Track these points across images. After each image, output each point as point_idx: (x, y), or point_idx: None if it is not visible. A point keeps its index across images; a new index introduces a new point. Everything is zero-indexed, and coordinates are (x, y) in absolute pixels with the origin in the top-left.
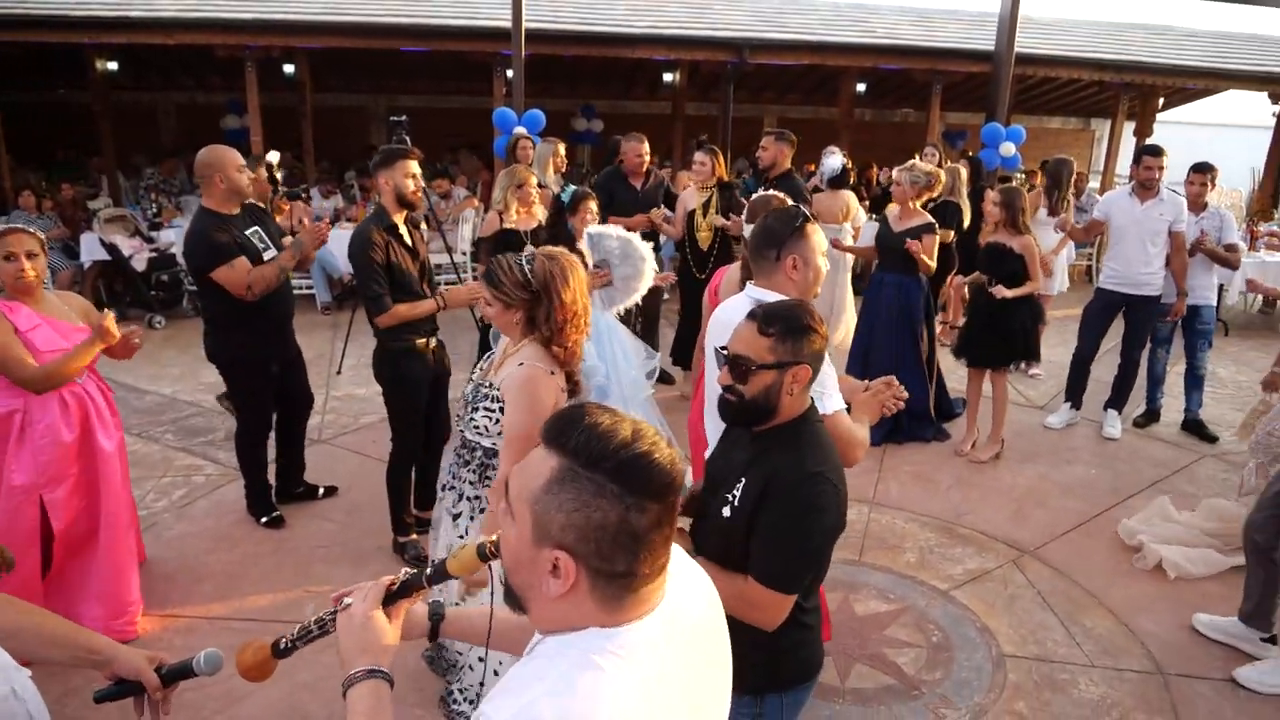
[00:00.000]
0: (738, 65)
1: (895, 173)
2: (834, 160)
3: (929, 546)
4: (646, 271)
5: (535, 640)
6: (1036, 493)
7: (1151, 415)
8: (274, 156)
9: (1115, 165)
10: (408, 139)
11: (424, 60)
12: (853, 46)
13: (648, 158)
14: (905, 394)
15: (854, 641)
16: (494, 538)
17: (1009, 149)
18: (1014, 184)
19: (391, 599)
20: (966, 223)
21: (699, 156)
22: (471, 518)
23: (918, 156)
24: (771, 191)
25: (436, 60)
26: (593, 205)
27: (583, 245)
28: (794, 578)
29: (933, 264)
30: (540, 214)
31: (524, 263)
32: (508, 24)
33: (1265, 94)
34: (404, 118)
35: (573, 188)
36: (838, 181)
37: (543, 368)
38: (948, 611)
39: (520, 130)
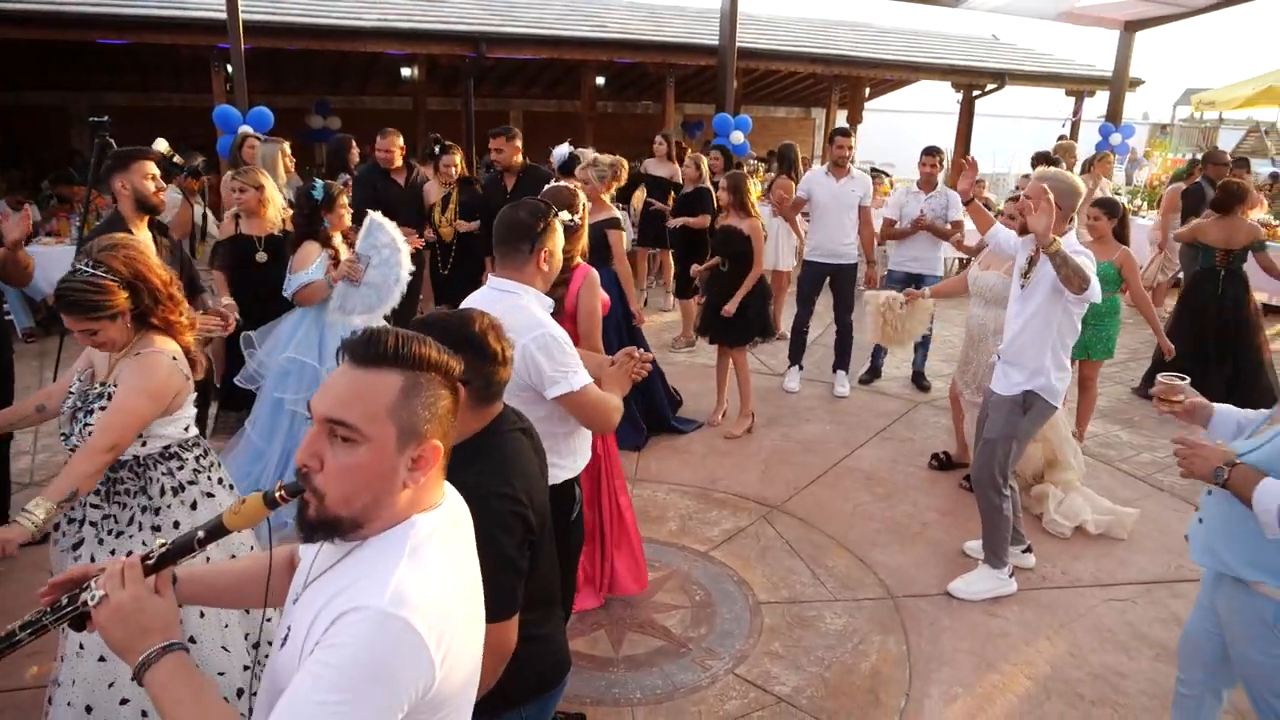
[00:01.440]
0: (476, 59)
1: (578, 171)
2: (562, 148)
3: (689, 513)
4: (393, 295)
5: (341, 549)
6: (781, 452)
7: (874, 372)
8: None
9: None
10: (112, 141)
11: (130, 54)
12: (588, 41)
13: (403, 153)
14: (650, 357)
15: (625, 612)
16: (279, 483)
17: (738, 137)
18: (745, 170)
19: (156, 568)
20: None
21: (446, 159)
22: (100, 540)
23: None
24: (563, 183)
25: (146, 54)
26: (345, 200)
27: (338, 242)
28: (505, 600)
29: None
30: (275, 220)
31: (91, 266)
32: (222, 15)
33: (949, 83)
34: (105, 118)
35: (321, 183)
36: (567, 168)
37: (165, 353)
38: (708, 571)
39: (246, 129)
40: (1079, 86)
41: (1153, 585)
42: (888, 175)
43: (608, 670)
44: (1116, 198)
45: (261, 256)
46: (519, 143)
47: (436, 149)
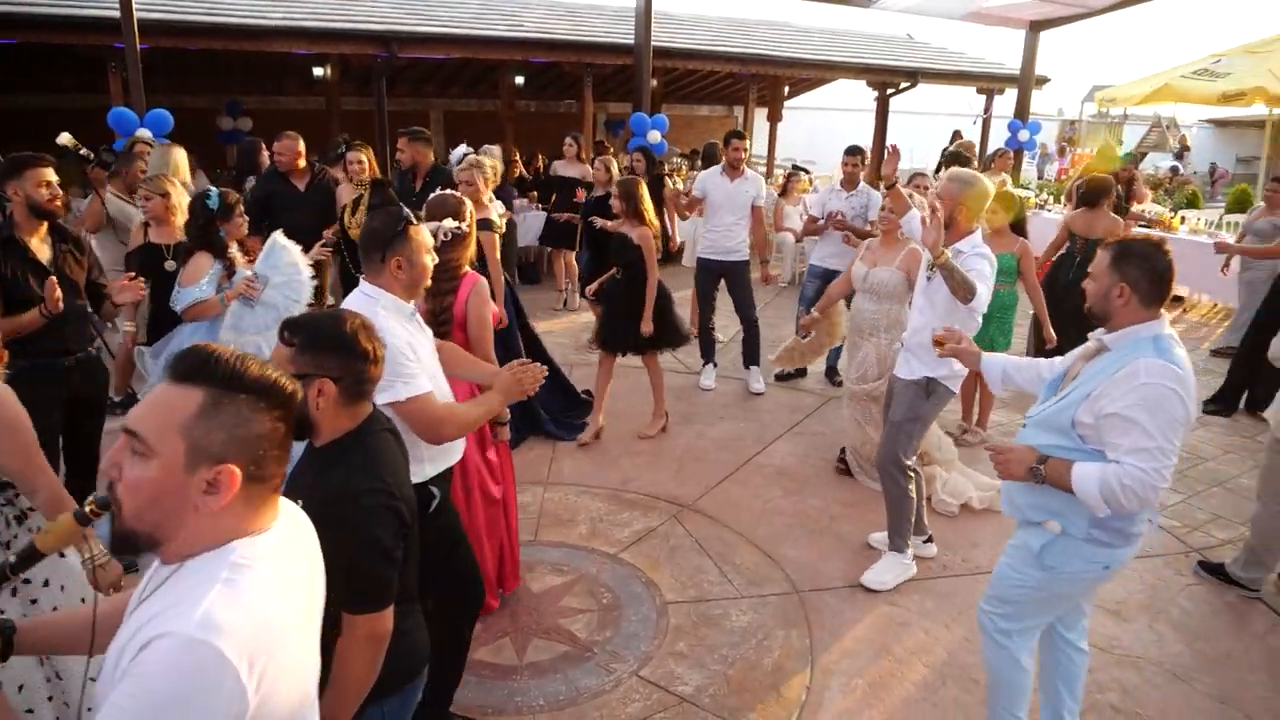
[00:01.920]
0: (388, 59)
1: (457, 172)
2: (459, 150)
3: (599, 516)
4: (300, 303)
5: (166, 572)
6: (695, 450)
7: (832, 371)
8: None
9: (750, 148)
10: None
11: (20, 54)
12: (504, 40)
13: (302, 156)
14: (544, 371)
15: (530, 618)
16: (90, 499)
17: (655, 136)
18: (635, 176)
19: None
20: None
21: (351, 157)
22: None
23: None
24: (449, 192)
25: (38, 54)
26: (237, 209)
27: (235, 252)
28: (380, 591)
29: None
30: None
31: None
32: (116, 13)
33: (863, 81)
34: None
35: (216, 192)
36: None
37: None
38: (617, 573)
39: (142, 133)
40: (989, 84)
41: None
42: (808, 173)
43: (510, 679)
44: (1015, 191)
45: (171, 265)
46: (424, 145)
47: (342, 149)
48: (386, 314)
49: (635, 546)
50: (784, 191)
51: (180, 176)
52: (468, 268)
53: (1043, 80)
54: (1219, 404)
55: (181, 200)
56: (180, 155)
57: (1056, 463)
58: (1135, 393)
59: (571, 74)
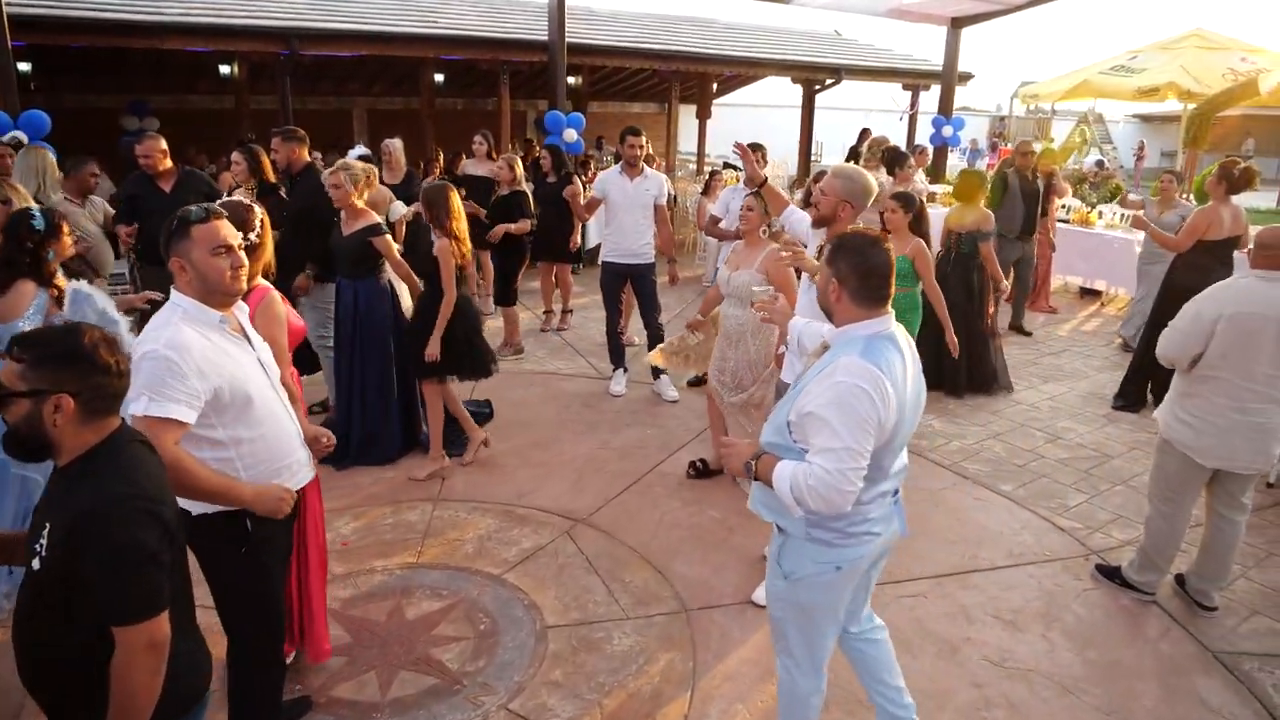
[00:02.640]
0: (289, 56)
1: (326, 175)
2: (356, 150)
3: (488, 534)
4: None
5: None
6: (596, 460)
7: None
8: None
9: (675, 145)
10: None
11: None
12: (414, 37)
13: (166, 156)
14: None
15: (401, 649)
16: None
17: (571, 135)
18: (443, 183)
19: None
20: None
21: (235, 155)
22: None
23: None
24: (238, 199)
25: None
26: (64, 226)
27: (61, 279)
28: (152, 596)
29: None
30: None
31: None
32: None
33: (788, 78)
34: None
35: (39, 210)
36: None
37: None
38: (498, 596)
39: (16, 135)
40: (914, 81)
41: (943, 578)
42: (738, 170)
43: (370, 717)
44: (914, 190)
45: None
46: (297, 143)
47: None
48: (181, 322)
49: (522, 566)
50: (706, 189)
51: (52, 180)
52: (263, 280)
53: (966, 76)
54: (1124, 400)
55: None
56: (49, 159)
57: (767, 459)
58: (829, 391)
59: (491, 72)
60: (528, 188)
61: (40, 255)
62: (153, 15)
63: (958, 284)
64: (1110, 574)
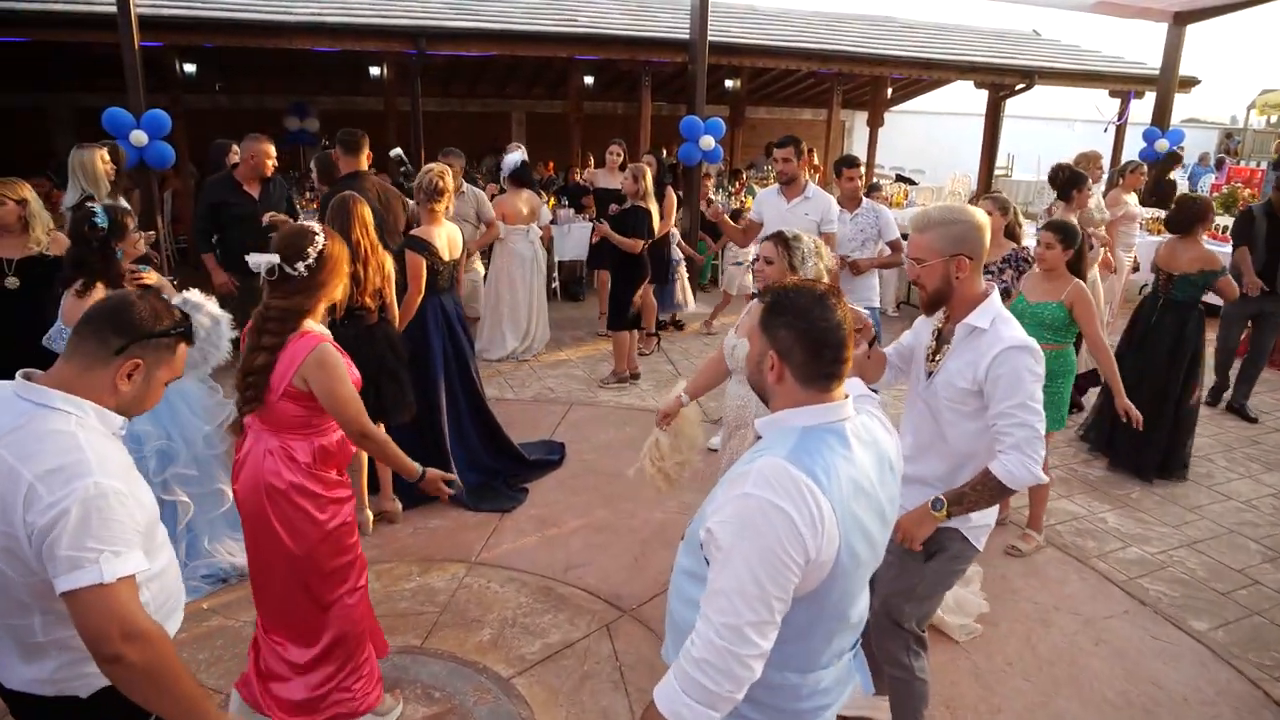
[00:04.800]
0: (419, 56)
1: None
2: (514, 155)
3: (514, 616)
4: (218, 356)
5: None
6: (669, 531)
7: None
8: None
9: (836, 155)
10: None
11: (26, 52)
12: (544, 35)
13: (272, 160)
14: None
15: None
16: None
17: (709, 142)
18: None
19: None
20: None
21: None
22: None
23: None
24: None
25: (44, 51)
26: (130, 223)
27: (151, 275)
28: None
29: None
30: (41, 240)
31: None
32: (112, 8)
33: (971, 82)
34: None
35: (102, 208)
36: (519, 177)
37: None
38: (496, 712)
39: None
40: (1123, 86)
41: None
42: (915, 183)
43: None
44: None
45: (12, 282)
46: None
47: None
48: (89, 435)
49: (540, 668)
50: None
51: (100, 179)
52: (314, 325)
53: (1190, 82)
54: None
55: (41, 210)
56: (80, 157)
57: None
58: (734, 505)
59: (632, 73)
60: (653, 205)
61: (108, 254)
62: (279, 15)
63: (1163, 337)
64: None
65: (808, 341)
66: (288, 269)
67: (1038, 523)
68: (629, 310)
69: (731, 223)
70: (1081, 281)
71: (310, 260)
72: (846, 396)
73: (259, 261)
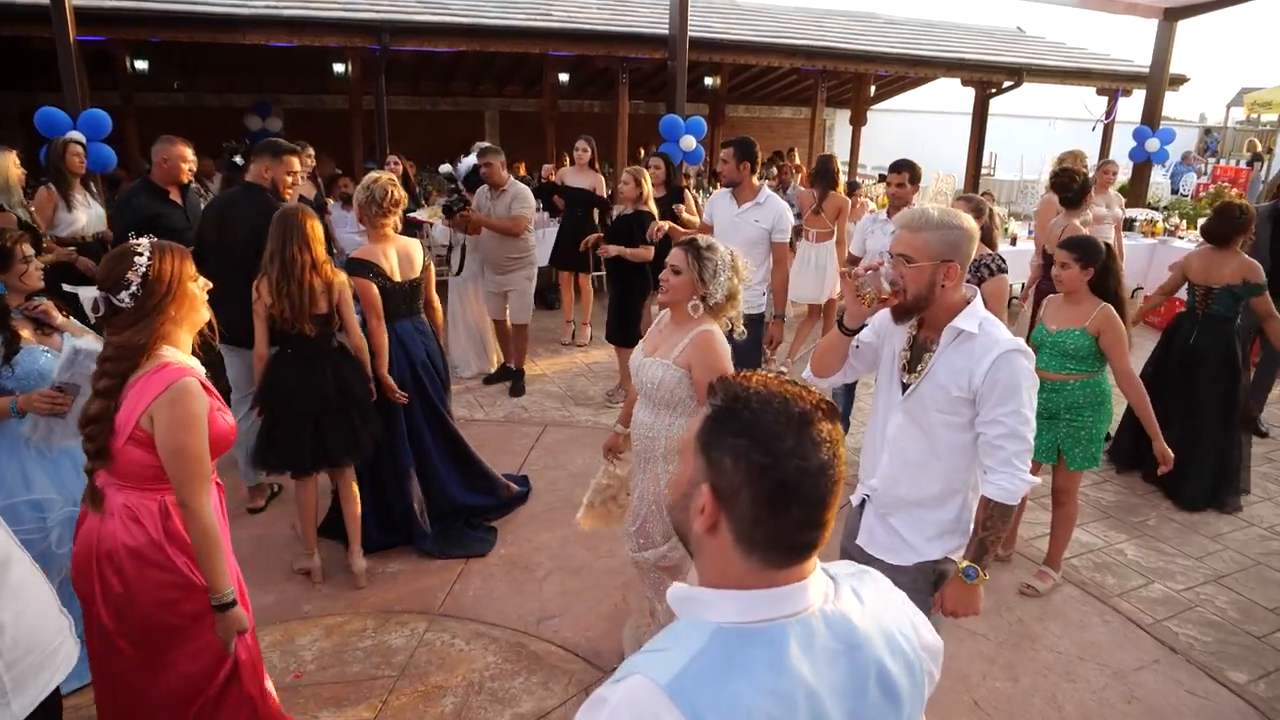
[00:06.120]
0: (382, 52)
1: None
2: (467, 160)
3: (481, 680)
4: None
5: None
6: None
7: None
8: None
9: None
10: None
11: None
12: (516, 30)
13: (189, 164)
14: None
15: None
16: None
17: (689, 142)
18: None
19: None
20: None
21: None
22: None
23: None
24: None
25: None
26: (28, 249)
27: (24, 314)
28: None
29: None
30: None
31: None
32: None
33: (958, 80)
34: None
35: None
36: (473, 184)
37: None
38: None
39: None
40: (1111, 84)
41: None
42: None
43: None
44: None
45: None
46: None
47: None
48: None
49: None
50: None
51: (2, 187)
52: (177, 355)
53: (1179, 79)
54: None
55: None
56: (6, 162)
57: None
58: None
59: (609, 70)
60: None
61: None
62: (230, 8)
63: (1207, 356)
64: None
65: (767, 487)
66: (113, 300)
67: (1057, 560)
68: (638, 322)
69: (681, 229)
70: (1109, 305)
71: (133, 288)
72: (809, 582)
73: (86, 297)
